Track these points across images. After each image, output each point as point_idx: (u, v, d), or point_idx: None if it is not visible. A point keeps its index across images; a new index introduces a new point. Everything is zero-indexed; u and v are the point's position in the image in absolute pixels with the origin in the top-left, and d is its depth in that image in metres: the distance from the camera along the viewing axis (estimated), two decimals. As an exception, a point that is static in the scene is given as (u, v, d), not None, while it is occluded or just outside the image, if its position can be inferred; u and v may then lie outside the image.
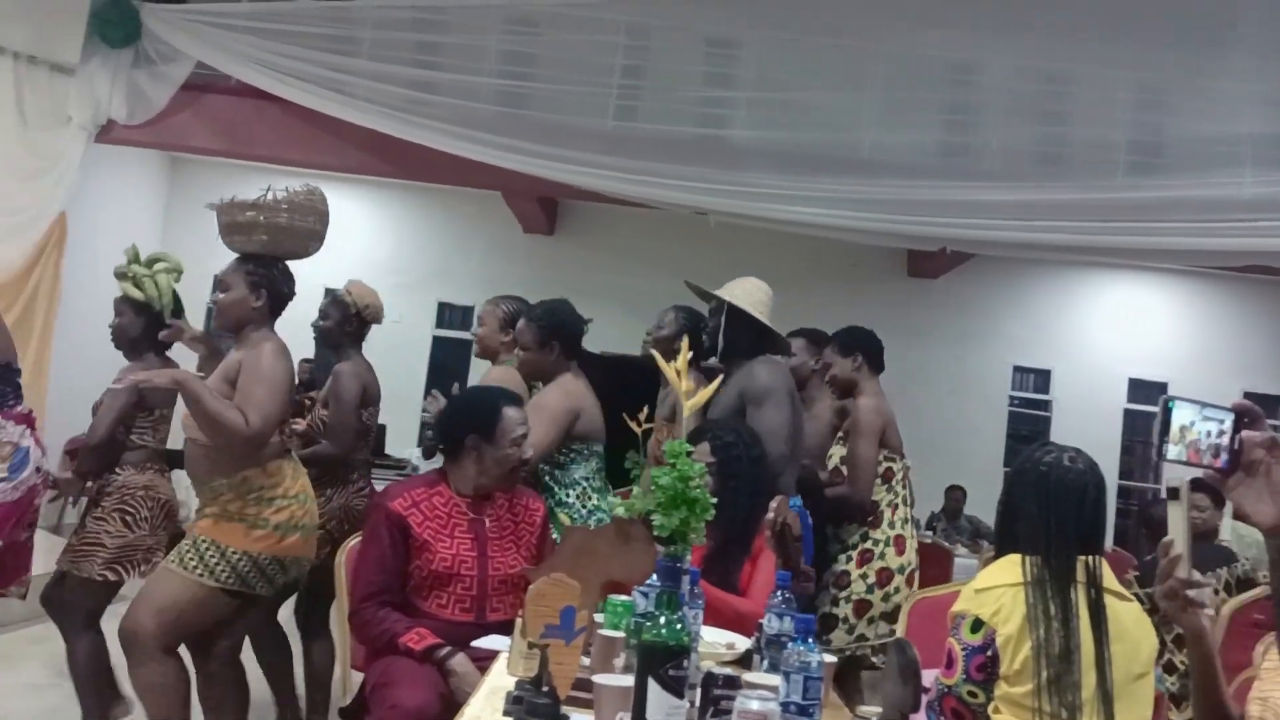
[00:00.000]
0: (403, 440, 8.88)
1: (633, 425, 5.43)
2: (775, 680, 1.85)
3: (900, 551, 3.59)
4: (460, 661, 2.50)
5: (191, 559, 2.84)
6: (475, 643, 2.45)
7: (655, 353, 2.81)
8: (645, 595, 2.20)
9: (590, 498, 3.38)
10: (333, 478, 3.81)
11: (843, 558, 3.59)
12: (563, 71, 8.37)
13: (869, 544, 3.56)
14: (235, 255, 3.55)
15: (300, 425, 3.65)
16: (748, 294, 3.49)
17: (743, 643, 2.32)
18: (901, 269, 9.77)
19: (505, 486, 2.80)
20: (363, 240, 9.98)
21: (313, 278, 10.02)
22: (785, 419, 3.26)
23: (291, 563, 3.00)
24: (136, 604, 2.85)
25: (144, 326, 3.58)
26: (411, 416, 9.54)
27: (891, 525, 3.61)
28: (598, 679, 1.71)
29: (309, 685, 3.83)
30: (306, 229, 3.11)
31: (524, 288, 9.58)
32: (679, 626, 1.58)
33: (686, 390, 2.04)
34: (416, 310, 9.83)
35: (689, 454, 1.95)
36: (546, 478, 3.36)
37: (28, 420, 3.33)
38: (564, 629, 1.74)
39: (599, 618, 2.16)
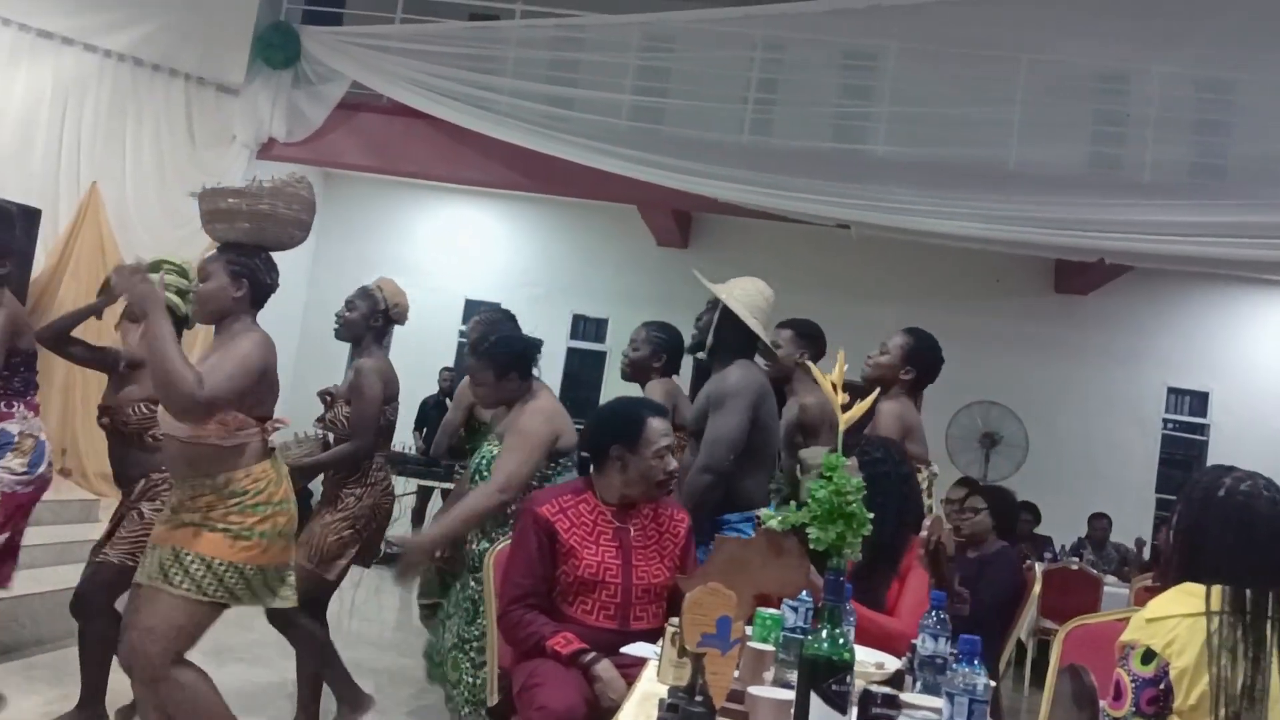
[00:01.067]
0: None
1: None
2: (934, 702, 1.81)
3: None
4: (605, 668, 2.52)
5: (177, 574, 2.65)
6: (624, 649, 2.47)
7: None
8: (794, 609, 2.18)
9: None
10: (360, 477, 3.72)
11: None
12: (699, 86, 8.44)
13: None
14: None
15: (284, 423, 3.20)
16: (746, 295, 3.41)
17: (892, 662, 2.27)
18: (1048, 285, 9.44)
19: (650, 498, 2.82)
20: (502, 254, 10.22)
21: (455, 288, 10.36)
22: (737, 424, 3.20)
23: (273, 571, 2.81)
24: (130, 631, 2.72)
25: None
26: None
27: None
28: (754, 691, 1.71)
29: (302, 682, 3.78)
30: (291, 217, 2.86)
31: (657, 301, 9.70)
32: (842, 641, 1.56)
33: (840, 403, 2.01)
34: (551, 322, 9.99)
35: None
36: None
37: (37, 411, 3.44)
38: (720, 638, 1.73)
39: (747, 630, 2.15)
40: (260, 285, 2.84)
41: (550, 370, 9.98)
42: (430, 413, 8.91)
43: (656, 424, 2.79)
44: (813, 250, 8.92)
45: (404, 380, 9.94)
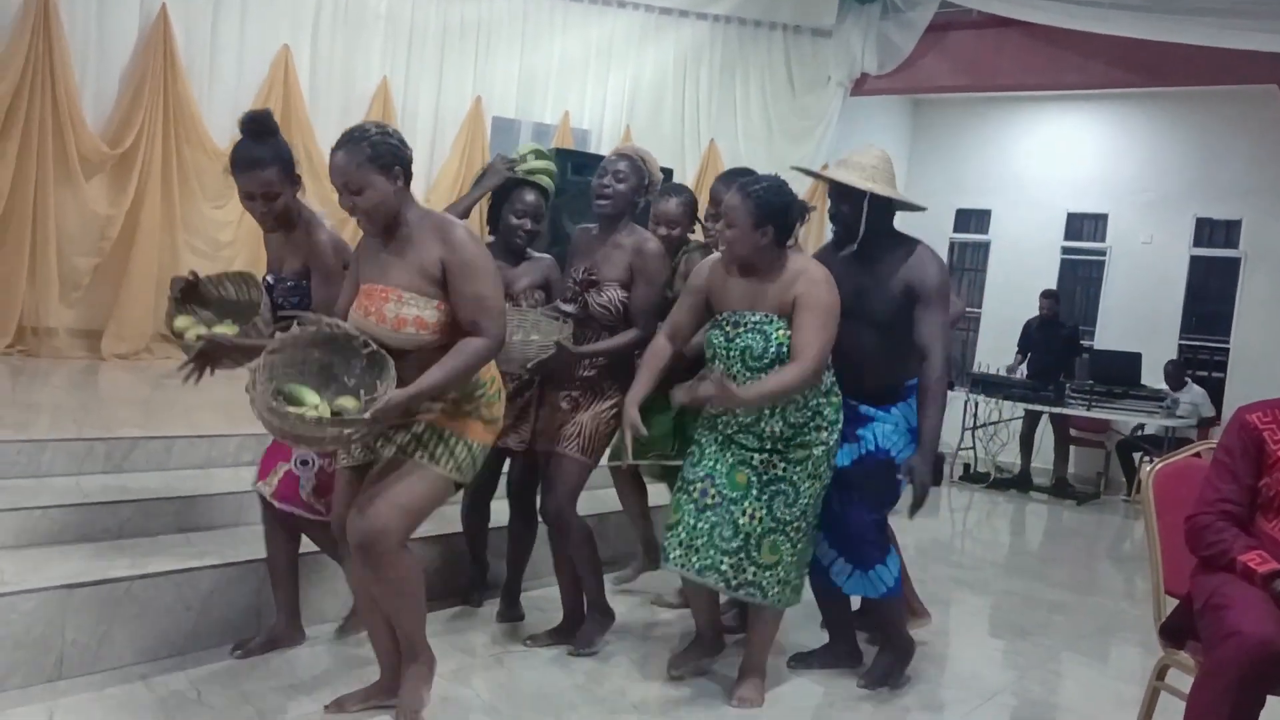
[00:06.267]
0: (1158, 372, 8.30)
1: None
2: None
3: None
4: (1305, 597, 2.26)
5: (443, 454, 2.55)
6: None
7: None
8: None
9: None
10: (627, 366, 3.31)
11: None
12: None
13: None
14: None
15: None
16: (878, 170, 3.11)
17: None
18: None
19: None
20: (1100, 161, 9.45)
21: (1054, 203, 9.80)
22: (947, 319, 3.11)
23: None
24: (380, 504, 2.50)
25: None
26: (1169, 345, 8.85)
27: None
28: None
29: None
30: None
31: (1303, 195, 8.34)
32: None
33: None
34: (1169, 229, 9.06)
35: None
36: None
37: None
38: None
39: None
40: (409, 166, 2.57)
41: (1171, 282, 9.09)
42: (1034, 335, 8.59)
43: None
44: None
45: (1004, 301, 9.84)
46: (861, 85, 8.72)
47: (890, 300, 3.10)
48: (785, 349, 2.88)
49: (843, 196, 3.13)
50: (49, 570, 2.80)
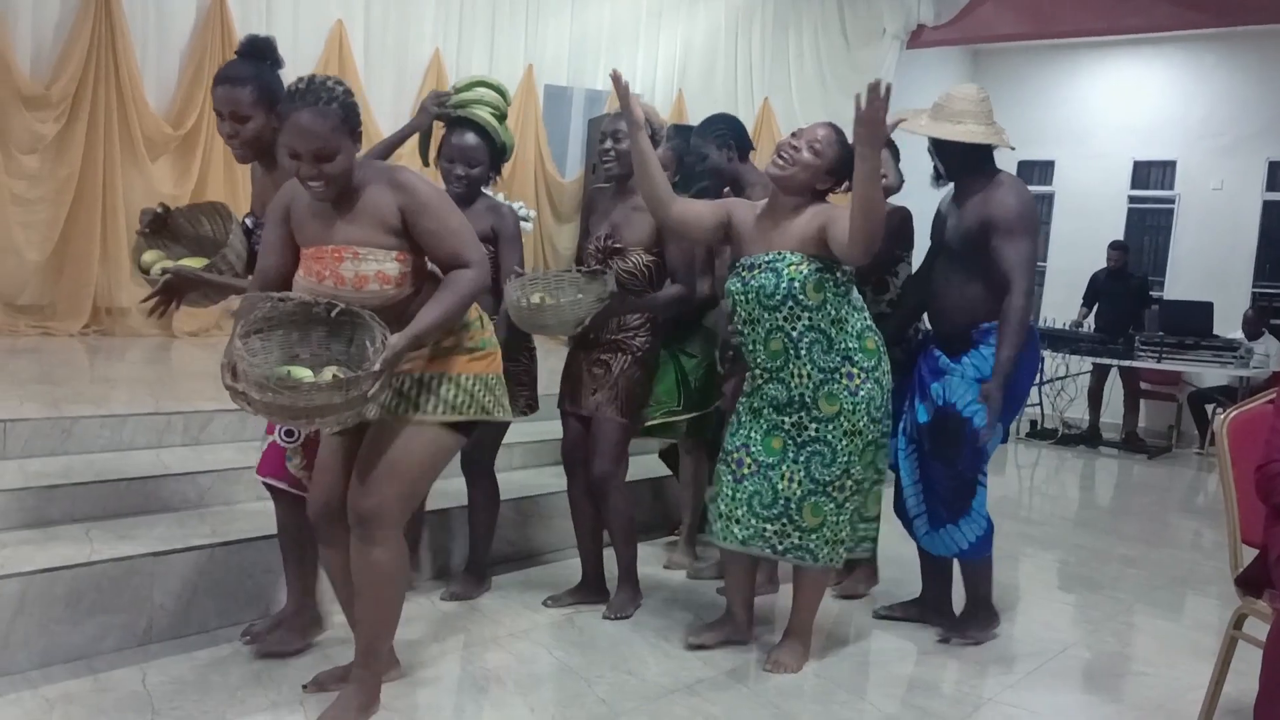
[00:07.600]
0: (1230, 321, 8.09)
1: None
2: None
3: None
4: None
5: (428, 400, 2.36)
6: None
7: None
8: None
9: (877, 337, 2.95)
10: (653, 324, 3.28)
11: None
12: None
13: None
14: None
15: None
16: (963, 111, 3.10)
17: None
18: None
19: None
20: (1167, 106, 9.18)
21: (1121, 151, 9.54)
22: (1035, 247, 3.08)
23: (503, 379, 2.54)
24: (379, 477, 2.31)
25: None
26: (1241, 293, 8.62)
27: None
28: None
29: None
30: None
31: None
32: None
33: None
34: (1240, 174, 8.80)
35: None
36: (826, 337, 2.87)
37: None
38: None
39: None
40: (357, 117, 2.31)
41: (1242, 228, 8.84)
42: (1101, 288, 8.41)
43: None
44: None
45: (1071, 252, 9.62)
46: (918, 37, 8.57)
47: (965, 233, 3.11)
48: (796, 284, 2.79)
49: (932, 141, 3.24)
50: (136, 538, 2.90)
